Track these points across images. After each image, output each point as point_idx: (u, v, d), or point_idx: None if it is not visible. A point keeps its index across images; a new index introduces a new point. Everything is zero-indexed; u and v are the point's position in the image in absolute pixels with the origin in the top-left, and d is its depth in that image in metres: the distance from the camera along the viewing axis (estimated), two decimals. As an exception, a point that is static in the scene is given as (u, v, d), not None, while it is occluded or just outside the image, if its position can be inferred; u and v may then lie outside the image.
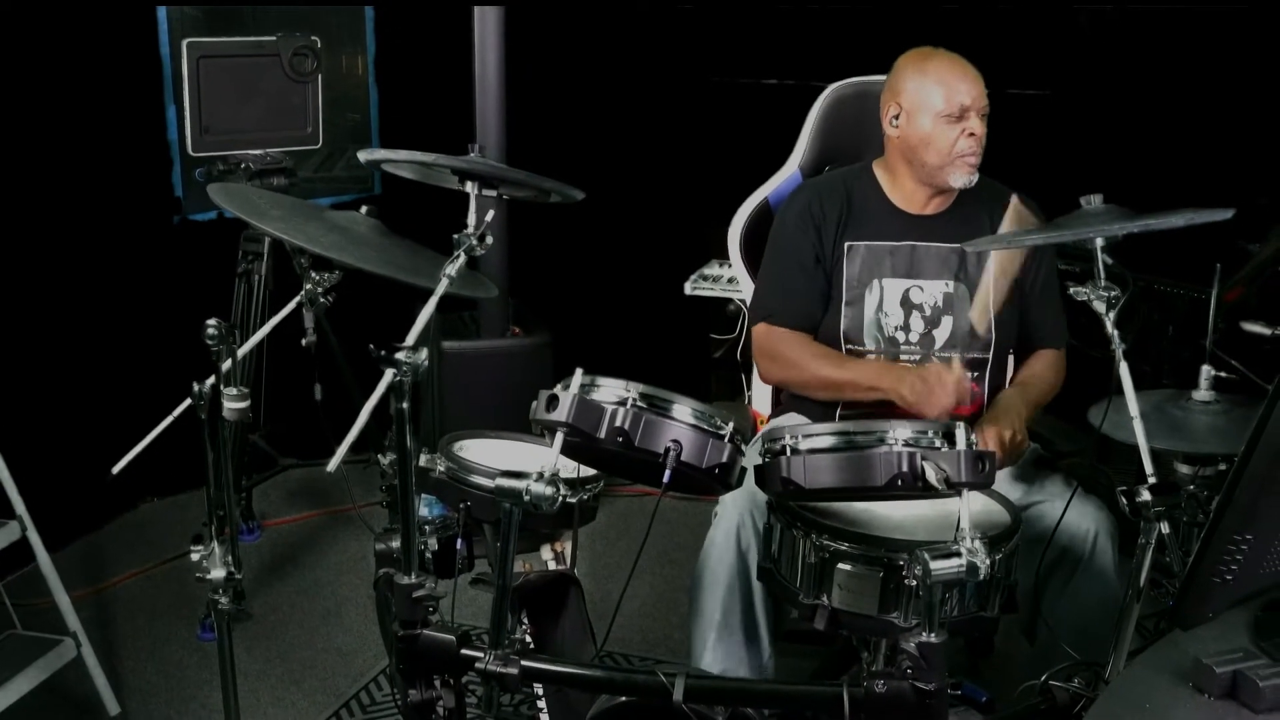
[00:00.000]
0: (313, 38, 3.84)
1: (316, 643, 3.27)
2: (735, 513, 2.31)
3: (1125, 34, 4.01)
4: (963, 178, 2.52)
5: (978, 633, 2.43)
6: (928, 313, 2.58)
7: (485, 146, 3.53)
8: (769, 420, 2.83)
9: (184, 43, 3.60)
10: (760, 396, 2.96)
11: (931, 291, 2.58)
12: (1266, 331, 2.94)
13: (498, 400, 3.43)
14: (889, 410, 2.40)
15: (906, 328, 2.57)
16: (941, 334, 2.58)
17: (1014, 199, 2.45)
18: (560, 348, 3.83)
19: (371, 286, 1.95)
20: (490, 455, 2.38)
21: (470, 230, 1.92)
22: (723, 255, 2.99)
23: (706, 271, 3.98)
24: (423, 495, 2.44)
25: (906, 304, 2.58)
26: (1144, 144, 3.96)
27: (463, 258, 1.91)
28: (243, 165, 3.55)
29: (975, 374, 2.55)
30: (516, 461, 2.23)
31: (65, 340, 3.66)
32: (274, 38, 3.76)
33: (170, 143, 3.79)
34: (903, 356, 2.55)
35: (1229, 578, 1.52)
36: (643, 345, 4.28)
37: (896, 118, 2.55)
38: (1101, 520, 2.35)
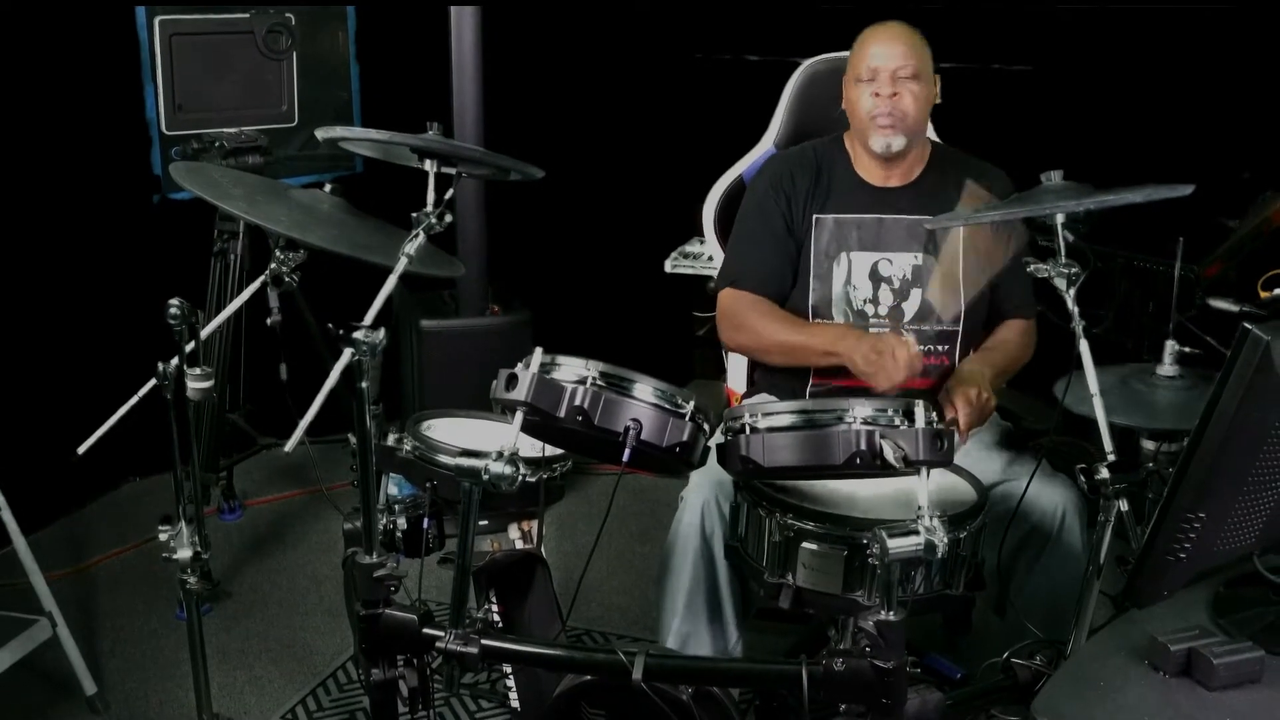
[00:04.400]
0: (287, 15, 3.82)
1: (295, 622, 3.28)
2: (701, 493, 2.31)
3: (1113, 20, 3.98)
4: (879, 140, 2.53)
5: (943, 611, 2.44)
6: (896, 285, 2.57)
7: (461, 125, 3.58)
8: (742, 399, 2.82)
9: (156, 20, 3.57)
10: (736, 375, 2.95)
11: (900, 264, 2.57)
12: (1234, 308, 2.94)
13: (477, 379, 3.36)
14: (854, 379, 2.40)
15: (875, 300, 2.57)
16: (910, 306, 2.57)
17: (968, 184, 2.44)
18: (540, 326, 3.83)
19: (344, 266, 1.94)
20: (458, 434, 2.38)
21: (429, 209, 1.91)
22: (704, 233, 2.98)
23: (687, 249, 3.96)
24: (392, 475, 2.44)
25: (875, 277, 2.57)
26: (1132, 122, 3.94)
27: (422, 236, 1.90)
28: (217, 144, 3.53)
29: (945, 347, 2.55)
30: (485, 441, 2.23)
31: (46, 320, 3.66)
32: (247, 15, 3.74)
33: (149, 121, 3.77)
34: (871, 329, 2.55)
35: (1183, 556, 1.52)
36: (624, 324, 4.26)
37: (845, 88, 2.61)
38: (1070, 498, 2.34)
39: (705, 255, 3.88)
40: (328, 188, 2.17)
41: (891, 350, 2.27)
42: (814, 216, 2.59)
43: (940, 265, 2.52)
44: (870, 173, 2.62)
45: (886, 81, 2.50)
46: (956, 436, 2.04)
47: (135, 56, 3.70)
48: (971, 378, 2.39)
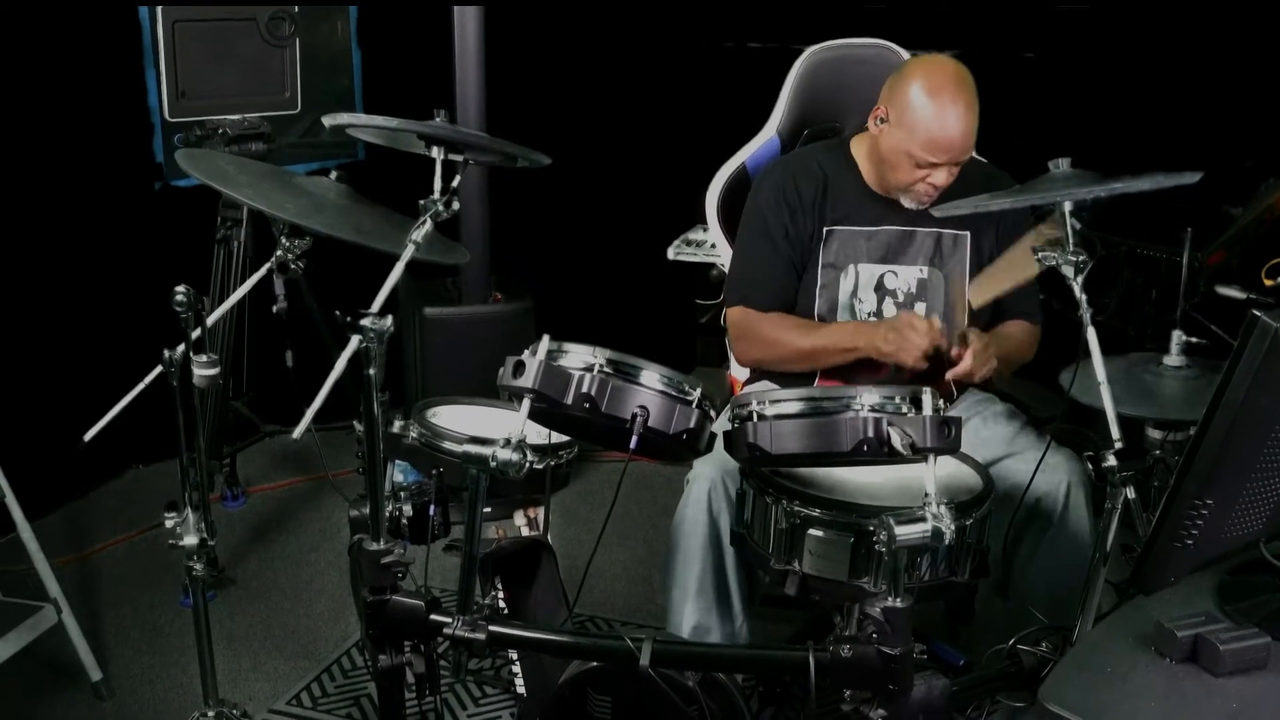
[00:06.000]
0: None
1: (299, 609, 3.28)
2: (706, 480, 2.31)
3: (1114, 8, 3.98)
4: (911, 204, 2.51)
5: (948, 597, 2.44)
6: (900, 299, 2.56)
7: (464, 112, 3.57)
8: (744, 387, 2.82)
9: (159, 8, 3.56)
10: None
11: (906, 277, 2.56)
12: (1241, 296, 2.94)
13: (480, 366, 3.37)
14: (869, 371, 2.39)
15: (879, 313, 2.56)
16: None
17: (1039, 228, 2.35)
18: (543, 314, 3.83)
19: (351, 252, 1.95)
20: (464, 421, 2.38)
21: (436, 195, 1.91)
22: (706, 221, 2.98)
23: (690, 237, 3.96)
24: (397, 461, 2.44)
25: (880, 289, 2.56)
26: (1134, 110, 3.94)
27: (429, 223, 1.90)
28: (220, 131, 3.52)
29: None
30: (490, 428, 2.23)
31: (48, 307, 3.65)
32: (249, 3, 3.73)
33: (151, 109, 3.76)
34: None
35: (1189, 543, 1.53)
36: (627, 311, 4.27)
37: (883, 120, 2.46)
38: (1074, 471, 2.33)
39: (708, 243, 3.88)
40: (333, 175, 2.17)
41: (909, 323, 2.28)
42: (824, 229, 2.56)
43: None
44: (879, 184, 2.57)
45: (945, 173, 2.41)
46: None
47: (137, 43, 3.69)
48: (983, 335, 2.38)
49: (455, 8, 3.61)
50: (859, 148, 2.61)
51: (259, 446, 4.05)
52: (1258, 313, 1.39)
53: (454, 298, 3.84)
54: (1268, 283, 3.04)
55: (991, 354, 2.35)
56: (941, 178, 2.42)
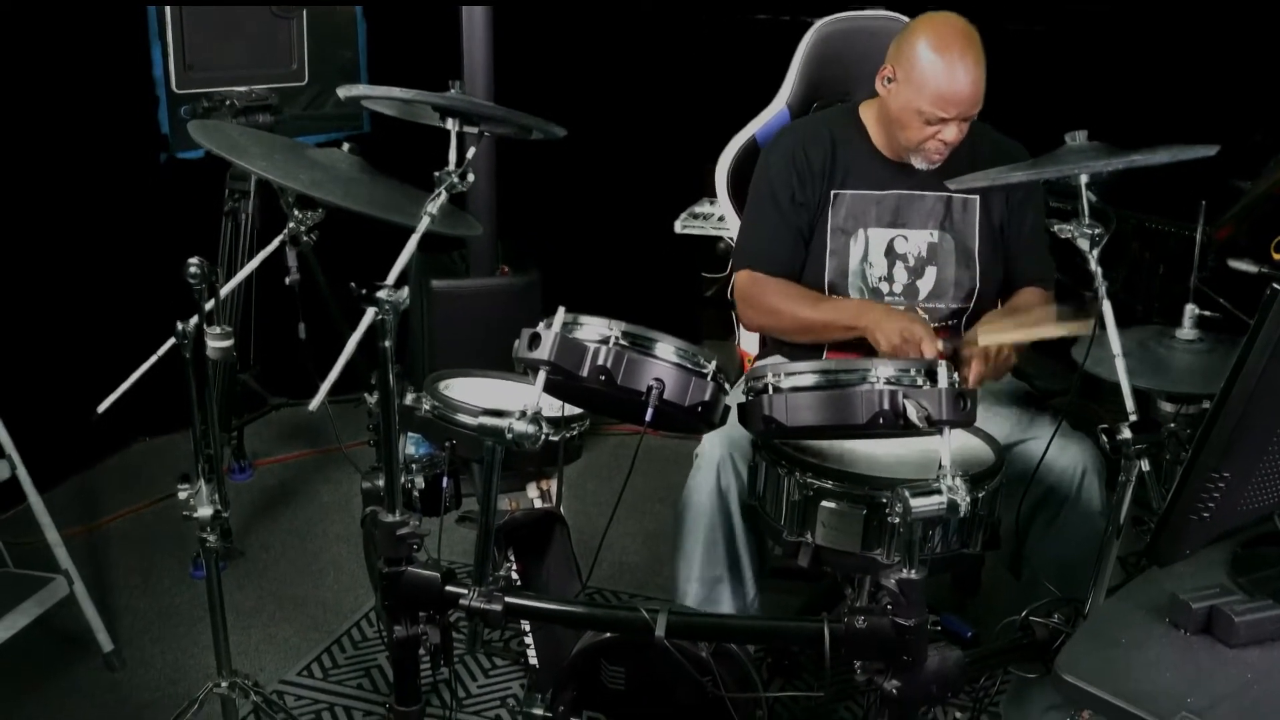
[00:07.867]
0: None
1: (308, 580, 3.30)
2: (715, 453, 2.31)
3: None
4: (922, 164, 2.49)
5: (960, 569, 2.45)
6: (911, 263, 2.55)
7: (471, 83, 3.56)
8: (755, 360, 2.82)
9: (166, -20, 3.56)
10: (748, 336, 2.95)
11: (916, 241, 2.55)
12: (1253, 269, 2.94)
13: (487, 339, 3.42)
14: (870, 349, 2.40)
15: (890, 278, 2.55)
16: (925, 284, 2.55)
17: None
18: (550, 287, 3.82)
19: (359, 225, 1.94)
20: (476, 394, 2.39)
21: (451, 168, 1.91)
22: (713, 193, 2.98)
23: (697, 210, 3.94)
24: (409, 434, 2.45)
25: (890, 254, 2.55)
26: (1139, 81, 3.92)
27: (444, 195, 1.89)
28: (227, 102, 3.51)
29: (955, 322, 2.55)
30: (502, 400, 2.24)
31: (54, 279, 3.65)
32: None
33: (156, 80, 3.75)
34: None
35: (1205, 515, 1.53)
36: (633, 284, 4.26)
37: (890, 80, 2.45)
38: (1089, 457, 2.34)
39: (716, 215, 3.87)
40: (345, 147, 2.17)
41: (919, 343, 2.25)
42: (832, 193, 2.55)
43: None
44: (889, 147, 2.56)
45: (955, 129, 2.40)
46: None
47: (142, 15, 3.67)
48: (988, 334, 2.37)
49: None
50: (868, 112, 2.60)
51: (265, 419, 4.06)
52: (1278, 285, 1.39)
53: (461, 270, 3.84)
54: (1277, 256, 3.04)
55: (1007, 355, 2.32)
56: (952, 134, 2.41)
